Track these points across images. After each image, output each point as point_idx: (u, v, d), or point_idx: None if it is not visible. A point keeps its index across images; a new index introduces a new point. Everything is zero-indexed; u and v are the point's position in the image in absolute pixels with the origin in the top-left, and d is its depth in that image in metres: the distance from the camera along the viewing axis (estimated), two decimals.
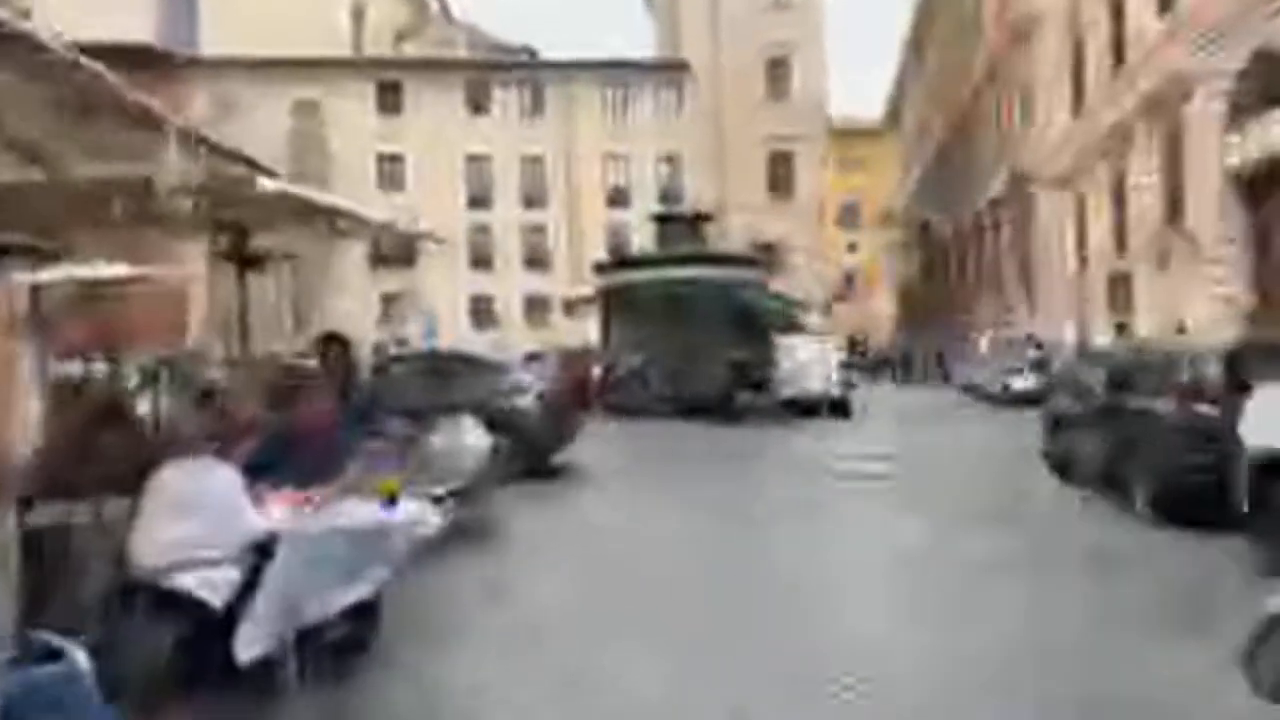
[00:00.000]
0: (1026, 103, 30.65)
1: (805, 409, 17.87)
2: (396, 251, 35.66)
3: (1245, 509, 6.11)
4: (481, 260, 36.23)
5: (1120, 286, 22.61)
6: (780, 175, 37.89)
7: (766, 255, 25.79)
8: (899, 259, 55.61)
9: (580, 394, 18.76)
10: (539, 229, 36.32)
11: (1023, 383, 20.22)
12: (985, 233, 36.61)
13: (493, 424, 7.89)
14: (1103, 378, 9.68)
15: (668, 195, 35.87)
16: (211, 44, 35.39)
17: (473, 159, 36.54)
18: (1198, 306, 18.22)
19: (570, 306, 21.26)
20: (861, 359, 36.05)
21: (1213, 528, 6.85)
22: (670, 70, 37.06)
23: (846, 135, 52.39)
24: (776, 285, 24.31)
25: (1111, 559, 6.63)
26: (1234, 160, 16.93)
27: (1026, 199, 30.36)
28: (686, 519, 8.47)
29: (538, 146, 36.45)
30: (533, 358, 20.37)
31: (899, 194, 57.07)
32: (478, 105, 36.47)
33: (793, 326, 22.24)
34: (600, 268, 20.77)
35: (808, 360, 18.06)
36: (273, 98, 33.77)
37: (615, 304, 19.67)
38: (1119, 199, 22.83)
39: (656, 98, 37.17)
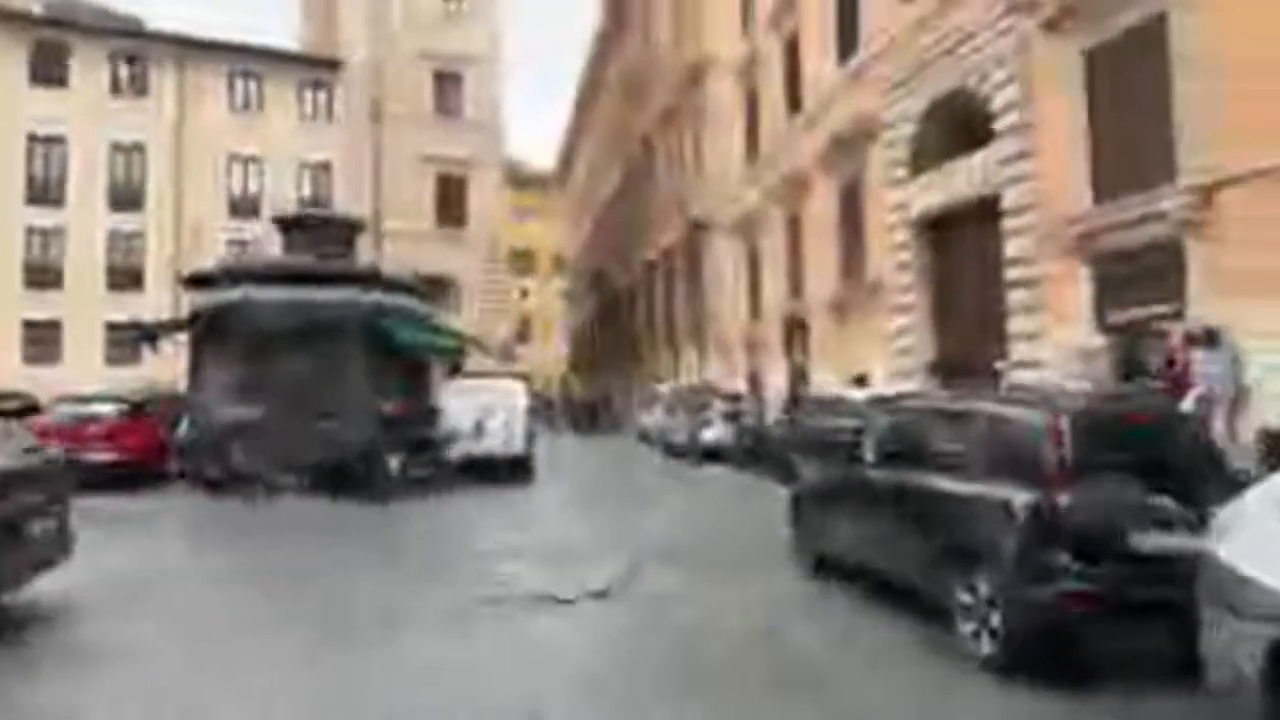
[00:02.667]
0: (700, 149, 30.38)
1: (482, 471, 14.05)
2: None
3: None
4: (44, 275, 27.37)
5: (796, 335, 22.11)
6: (451, 202, 33.97)
7: (434, 289, 21.36)
8: (573, 307, 55.38)
9: (144, 461, 13.12)
10: (133, 238, 28.43)
11: (712, 434, 18.31)
12: (658, 281, 36.01)
13: None
14: (870, 440, 7.17)
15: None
16: None
17: (38, 141, 27.71)
18: (877, 357, 17.74)
19: (150, 336, 15.10)
20: (547, 408, 33.14)
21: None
22: (321, 67, 31.60)
23: (520, 182, 52.36)
24: (447, 320, 20.28)
25: None
26: (918, 208, 16.69)
27: (699, 246, 29.90)
28: None
29: (136, 133, 28.66)
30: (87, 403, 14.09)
31: (572, 242, 57.17)
32: (49, 73, 27.81)
33: (456, 370, 18.33)
34: (195, 282, 15.05)
35: (486, 411, 14.28)
36: None
37: (213, 334, 14.21)
38: (795, 247, 22.54)
39: (302, 96, 31.38)
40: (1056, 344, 12.73)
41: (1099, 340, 12.05)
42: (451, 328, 17.89)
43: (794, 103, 22.66)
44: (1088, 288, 12.41)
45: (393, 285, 15.51)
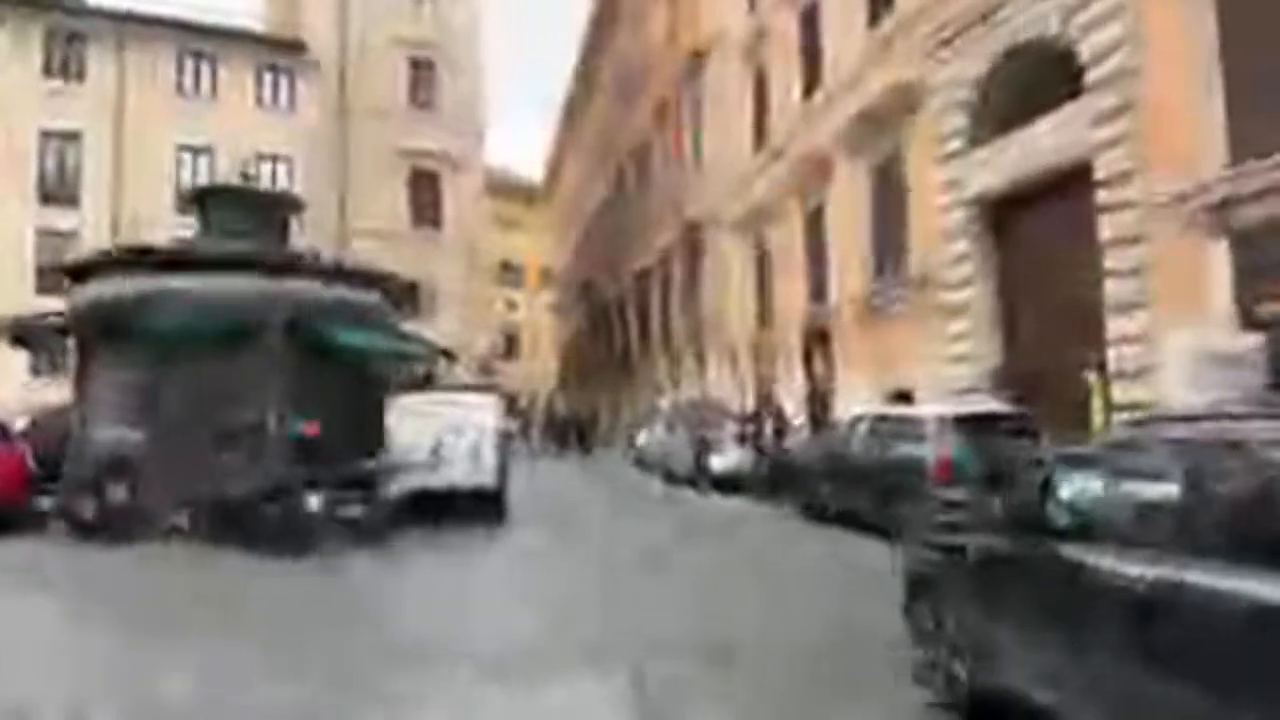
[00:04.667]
0: (699, 144, 27.62)
1: (440, 509, 11.04)
2: None
3: None
4: None
5: (817, 345, 19.21)
6: (425, 201, 31.04)
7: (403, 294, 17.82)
8: (561, 321, 53.00)
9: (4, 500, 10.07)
10: (67, 235, 25.28)
11: (724, 460, 15.32)
12: (653, 288, 33.14)
13: None
14: (1074, 494, 4.06)
15: None
16: None
17: None
18: (922, 367, 14.85)
19: (20, 338, 11.85)
20: (524, 427, 30.06)
21: None
22: (281, 50, 28.67)
23: (506, 193, 50.44)
24: (411, 326, 16.98)
25: None
26: (977, 186, 13.87)
27: (699, 247, 27.06)
28: None
29: (71, 120, 25.60)
30: None
31: (559, 253, 54.92)
32: None
33: (426, 382, 15.28)
34: (77, 272, 11.89)
35: (448, 434, 11.27)
36: None
37: (97, 336, 11.12)
38: (814, 242, 19.70)
39: (260, 81, 28.42)
40: (1176, 347, 9.84)
41: (1246, 340, 9.18)
42: (416, 335, 14.80)
43: (810, 81, 19.89)
44: (1223, 273, 9.56)
45: (336, 275, 12.44)
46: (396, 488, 10.31)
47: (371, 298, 13.06)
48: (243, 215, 12.56)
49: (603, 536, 10.84)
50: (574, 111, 48.45)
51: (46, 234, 25.27)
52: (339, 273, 12.76)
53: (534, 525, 11.63)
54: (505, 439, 12.06)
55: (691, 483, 16.11)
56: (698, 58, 26.79)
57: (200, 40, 27.41)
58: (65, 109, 25.62)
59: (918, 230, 14.89)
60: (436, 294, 29.30)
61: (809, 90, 19.92)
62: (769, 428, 15.35)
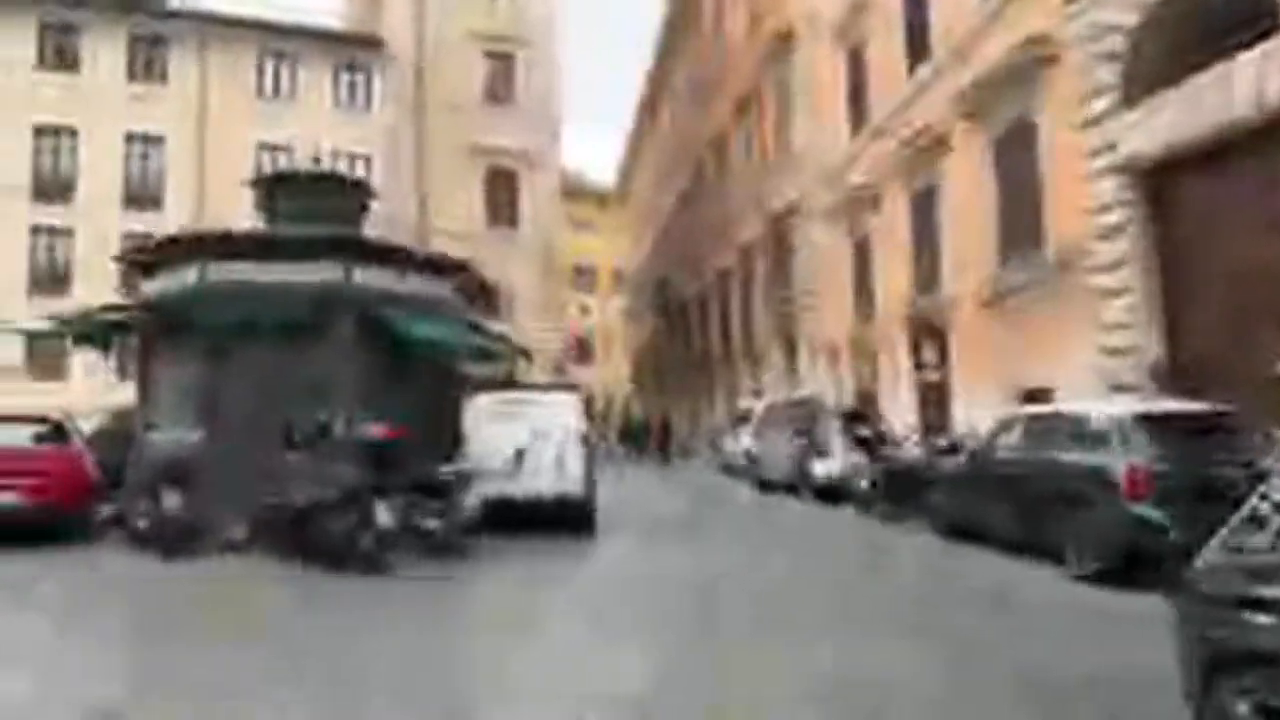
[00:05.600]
0: (786, 130, 26.06)
1: (520, 518, 9.91)
2: None
3: None
4: (50, 279, 24.41)
5: (928, 339, 17.47)
6: (501, 200, 30.31)
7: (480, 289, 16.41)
8: (634, 324, 52.08)
9: (61, 504, 9.37)
10: (150, 239, 25.29)
11: (829, 467, 13.78)
12: (734, 286, 31.68)
13: None
14: None
15: None
16: None
17: (45, 132, 24.92)
18: (1064, 362, 13.04)
19: (86, 335, 11.15)
20: (600, 432, 28.95)
21: None
22: (359, 47, 28.33)
23: (579, 196, 49.99)
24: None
25: None
26: (1130, 149, 12.05)
27: (788, 240, 25.49)
28: None
29: (154, 124, 25.69)
30: None
31: (633, 256, 54.18)
32: (60, 57, 25.09)
33: (503, 383, 14.19)
34: (144, 265, 11.16)
35: (530, 437, 10.12)
36: None
37: (159, 331, 10.36)
38: (923, 228, 17.95)
39: (337, 79, 28.12)
40: None
41: None
42: (494, 330, 13.74)
43: (916, 54, 18.19)
44: None
45: (408, 262, 11.43)
46: (475, 497, 9.18)
47: (445, 290, 12.03)
48: (314, 203, 11.68)
49: (705, 555, 9.48)
50: (648, 112, 47.65)
51: (131, 237, 25.31)
52: (412, 262, 11.75)
53: (625, 540, 10.36)
54: (591, 443, 10.81)
55: (791, 491, 14.63)
56: (783, 43, 25.34)
57: (280, 40, 27.25)
58: (149, 113, 25.73)
59: (1056, 205, 13.09)
60: (514, 296, 28.49)
61: (914, 64, 18.24)
62: (882, 430, 13.74)
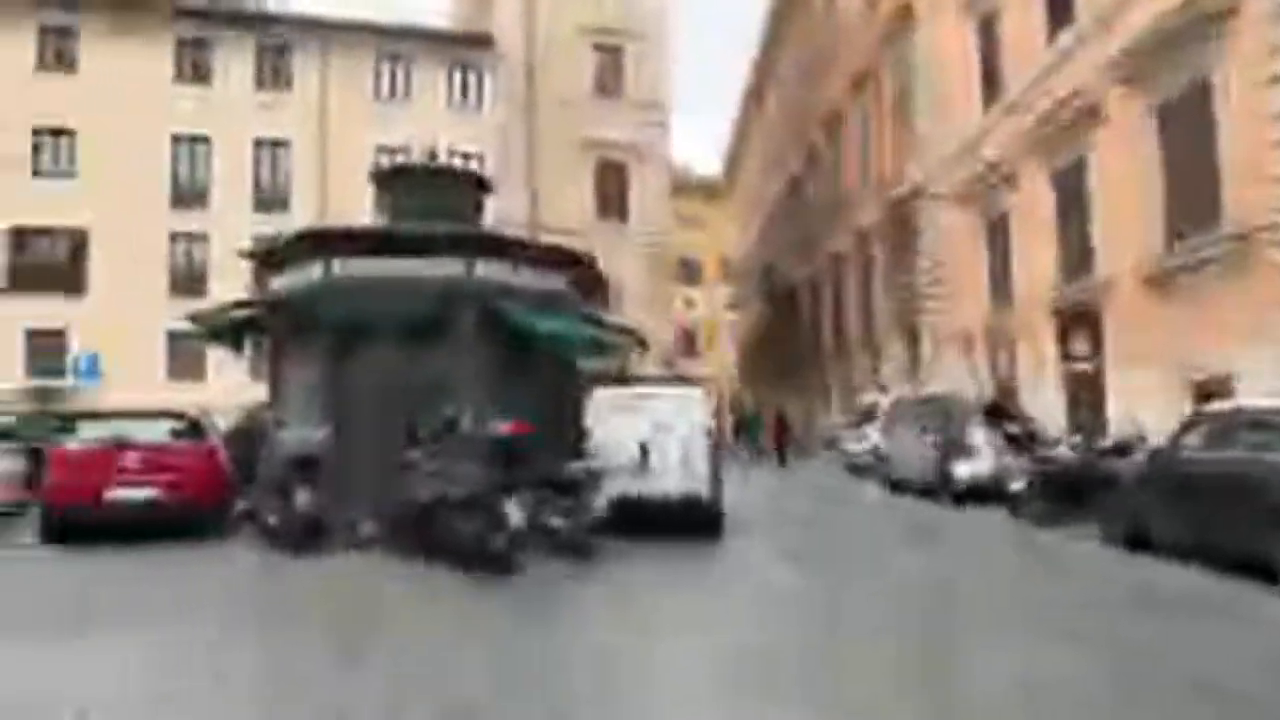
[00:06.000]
0: (906, 109, 24.71)
1: (643, 518, 9.46)
2: (52, 273, 24.77)
3: None
4: (189, 283, 25.68)
5: (1077, 326, 16.06)
6: (611, 193, 30.12)
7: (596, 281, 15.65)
8: (740, 316, 51.16)
9: (197, 500, 9.53)
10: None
11: (974, 467, 12.75)
12: (849, 272, 30.43)
13: None
14: None
15: None
16: None
17: (182, 141, 26.26)
18: (1247, 351, 11.59)
19: (215, 333, 11.40)
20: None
21: None
22: (469, 46, 28.64)
23: (684, 190, 49.44)
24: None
25: None
26: None
27: (911, 223, 24.17)
28: None
29: (279, 129, 26.68)
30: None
31: (739, 245, 53.25)
32: (194, 68, 26.37)
33: (620, 378, 13.82)
34: (271, 257, 11.39)
35: (655, 433, 9.66)
36: None
37: (287, 327, 10.44)
38: (1071, 204, 16.46)
39: (449, 79, 28.52)
40: None
41: None
42: (613, 321, 13.35)
43: (1058, 20, 16.75)
44: None
45: (527, 255, 11.17)
46: (603, 496, 8.77)
47: (562, 282, 11.70)
48: (433, 197, 11.57)
49: (847, 560, 8.77)
50: (754, 100, 46.73)
51: (261, 240, 26.39)
52: (530, 255, 11.48)
53: (755, 544, 9.76)
54: (717, 440, 10.24)
55: (928, 493, 13.65)
56: (902, 20, 24.06)
57: (396, 42, 27.84)
58: (275, 119, 26.73)
59: (1235, 173, 11.64)
60: (622, 290, 28.21)
61: (1055, 31, 16.81)
62: (1032, 427, 12.60)
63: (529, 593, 7.07)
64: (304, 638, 5.85)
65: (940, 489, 13.05)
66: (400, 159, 26.86)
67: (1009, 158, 18.42)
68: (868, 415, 18.66)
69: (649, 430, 9.71)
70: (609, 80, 30.32)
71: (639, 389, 10.59)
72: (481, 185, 12.80)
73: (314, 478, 8.97)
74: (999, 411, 13.97)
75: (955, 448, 12.84)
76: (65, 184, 25.14)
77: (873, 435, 17.24)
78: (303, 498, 8.85)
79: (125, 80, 25.17)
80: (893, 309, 25.28)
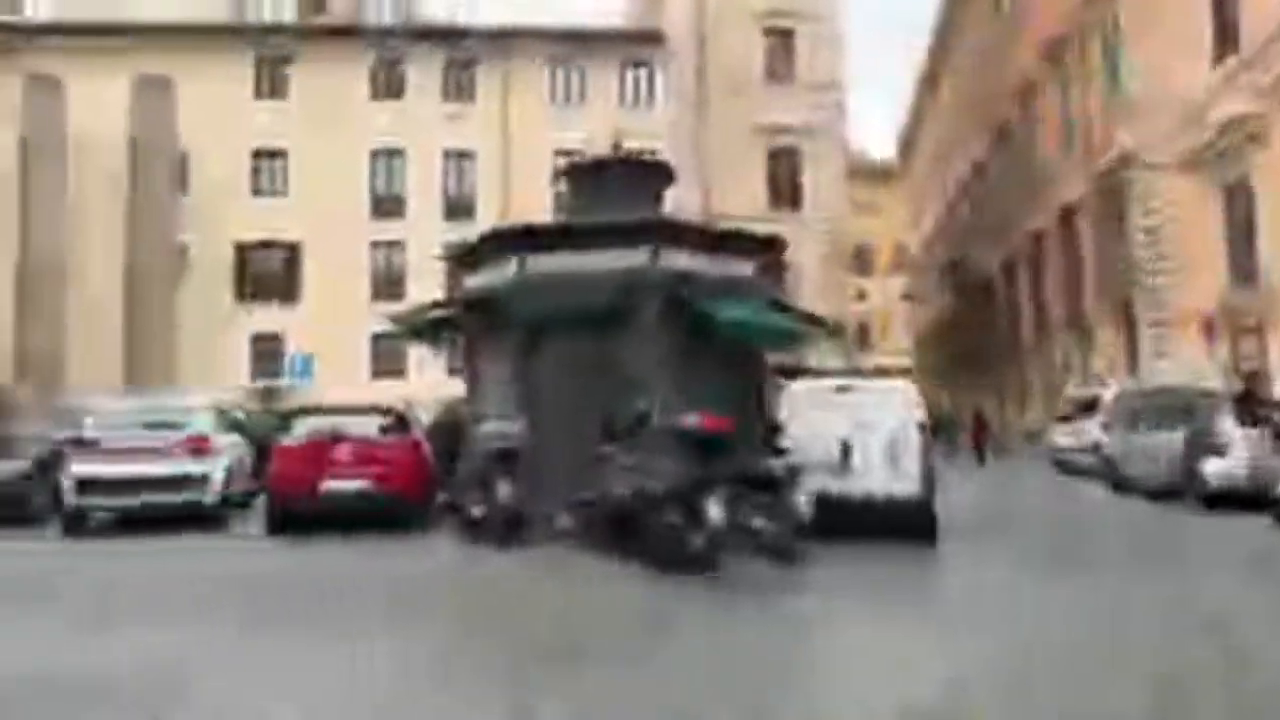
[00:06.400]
0: (1113, 73, 22.26)
1: (845, 520, 8.86)
2: (271, 282, 27.15)
3: None
4: (389, 288, 27.39)
5: None
6: (783, 180, 29.34)
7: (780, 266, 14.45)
8: (917, 307, 48.60)
9: (403, 492, 9.89)
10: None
11: (1228, 467, 11.07)
12: (1050, 253, 27.95)
13: None
14: None
15: None
16: (46, 9, 27.36)
17: (379, 155, 28.07)
18: None
19: (416, 331, 11.90)
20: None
21: None
22: (640, 43, 28.78)
23: (858, 174, 47.53)
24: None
25: None
26: None
27: (1124, 195, 21.74)
28: None
29: (465, 140, 27.92)
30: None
31: (916, 232, 50.66)
32: (388, 85, 28.13)
33: (796, 369, 13.07)
34: (464, 257, 11.73)
35: (857, 429, 9.02)
36: (108, 74, 25.36)
37: (483, 324, 10.67)
38: None
39: (622, 78, 28.78)
40: None
41: None
42: (801, 309, 12.75)
43: None
44: None
45: (709, 241, 10.83)
46: (805, 495, 8.23)
47: (749, 269, 11.24)
48: (616, 188, 11.46)
49: (1095, 577, 7.73)
50: (929, 85, 44.25)
51: (453, 245, 27.76)
52: (716, 241, 11.13)
53: (978, 551, 8.88)
54: (929, 436, 9.41)
55: (1164, 495, 12.05)
56: None
57: (570, 46, 28.44)
58: (461, 130, 28.02)
59: None
60: (798, 279, 27.33)
61: None
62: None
63: (736, 598, 6.69)
64: (526, 638, 5.77)
65: (1185, 490, 11.47)
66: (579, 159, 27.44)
67: (1249, 115, 16.10)
68: (1084, 408, 16.87)
69: (850, 426, 9.06)
70: (780, 64, 29.54)
71: (840, 381, 9.92)
72: (665, 172, 12.57)
73: (513, 471, 9.04)
74: (1254, 402, 12.12)
75: (1203, 444, 11.22)
76: (280, 201, 27.55)
77: (1092, 430, 15.54)
78: (504, 491, 8.94)
79: (329, 101, 27.25)
80: (1105, 291, 22.92)
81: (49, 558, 9.36)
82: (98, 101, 24.97)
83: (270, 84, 28.01)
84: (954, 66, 38.86)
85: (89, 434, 10.77)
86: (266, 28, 28.79)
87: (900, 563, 8.23)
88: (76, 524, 10.45)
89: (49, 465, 11.15)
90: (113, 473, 10.15)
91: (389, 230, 27.95)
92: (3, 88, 25.11)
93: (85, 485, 10.24)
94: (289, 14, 29.82)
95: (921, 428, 9.18)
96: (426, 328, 11.62)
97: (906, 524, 9.06)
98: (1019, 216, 30.22)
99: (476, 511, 9.38)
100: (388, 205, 28.11)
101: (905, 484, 8.91)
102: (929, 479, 9.02)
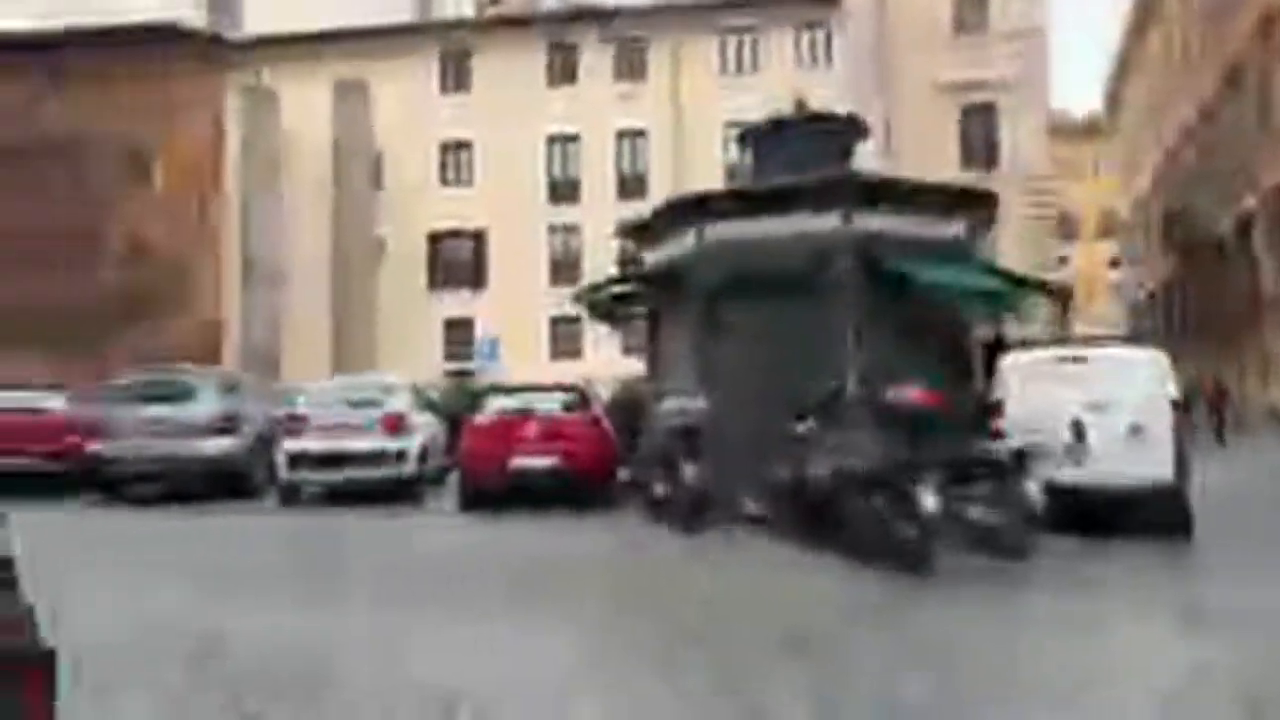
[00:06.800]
0: None
1: (1079, 511, 7.74)
2: (460, 270, 28.30)
3: None
4: (567, 271, 27.81)
5: None
6: (976, 139, 27.06)
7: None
8: (1130, 273, 43.87)
9: (587, 470, 9.72)
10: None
11: None
12: None
13: None
14: None
15: None
16: (258, 23, 29.81)
17: (555, 140, 28.47)
18: None
19: (594, 305, 11.64)
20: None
21: None
22: (815, 3, 27.37)
23: (1060, 132, 43.44)
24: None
25: None
26: None
27: None
28: None
29: (638, 119, 27.75)
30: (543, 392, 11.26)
31: (1125, 195, 45.70)
32: (562, 72, 28.45)
33: (996, 342, 11.72)
34: (642, 231, 11.34)
35: (1089, 408, 7.84)
36: (312, 81, 27.30)
37: (663, 298, 10.27)
38: None
39: (796, 42, 27.51)
40: None
41: None
42: (1025, 276, 11.41)
43: None
44: None
45: (909, 198, 9.83)
46: (1037, 482, 7.18)
47: (955, 228, 10.13)
48: (800, 148, 10.70)
49: None
50: (1138, 33, 39.25)
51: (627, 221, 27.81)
52: (914, 197, 10.10)
53: (1238, 543, 7.49)
54: (1183, 416, 8.01)
55: None
56: None
57: (740, 15, 27.53)
58: (632, 109, 27.88)
59: None
60: (996, 244, 25.12)
61: None
62: None
63: (960, 599, 5.87)
64: (739, 631, 5.30)
65: None
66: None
67: None
68: None
69: (1083, 403, 7.88)
70: (969, 14, 27.19)
71: (1071, 351, 8.66)
72: (856, 128, 11.62)
73: (696, 449, 8.59)
74: None
75: None
76: (466, 191, 28.64)
77: None
78: (689, 471, 8.51)
79: (508, 90, 27.94)
80: None
81: (267, 535, 9.65)
82: (305, 109, 26.96)
83: (455, 78, 29.08)
84: (1170, 3, 34.28)
85: (300, 410, 11.37)
86: (449, 23, 29.91)
87: (1148, 564, 7.02)
88: (291, 497, 11.08)
89: (268, 441, 11.90)
90: (319, 448, 10.65)
91: (565, 214, 28.36)
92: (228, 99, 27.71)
93: (295, 460, 10.82)
94: (468, 8, 30.90)
95: (1175, 405, 7.83)
96: (607, 303, 11.40)
97: (1154, 516, 7.78)
98: (1259, 166, 26.20)
99: (660, 490, 9.03)
100: (564, 190, 28.51)
101: (1154, 469, 7.63)
102: (1182, 464, 7.68)
